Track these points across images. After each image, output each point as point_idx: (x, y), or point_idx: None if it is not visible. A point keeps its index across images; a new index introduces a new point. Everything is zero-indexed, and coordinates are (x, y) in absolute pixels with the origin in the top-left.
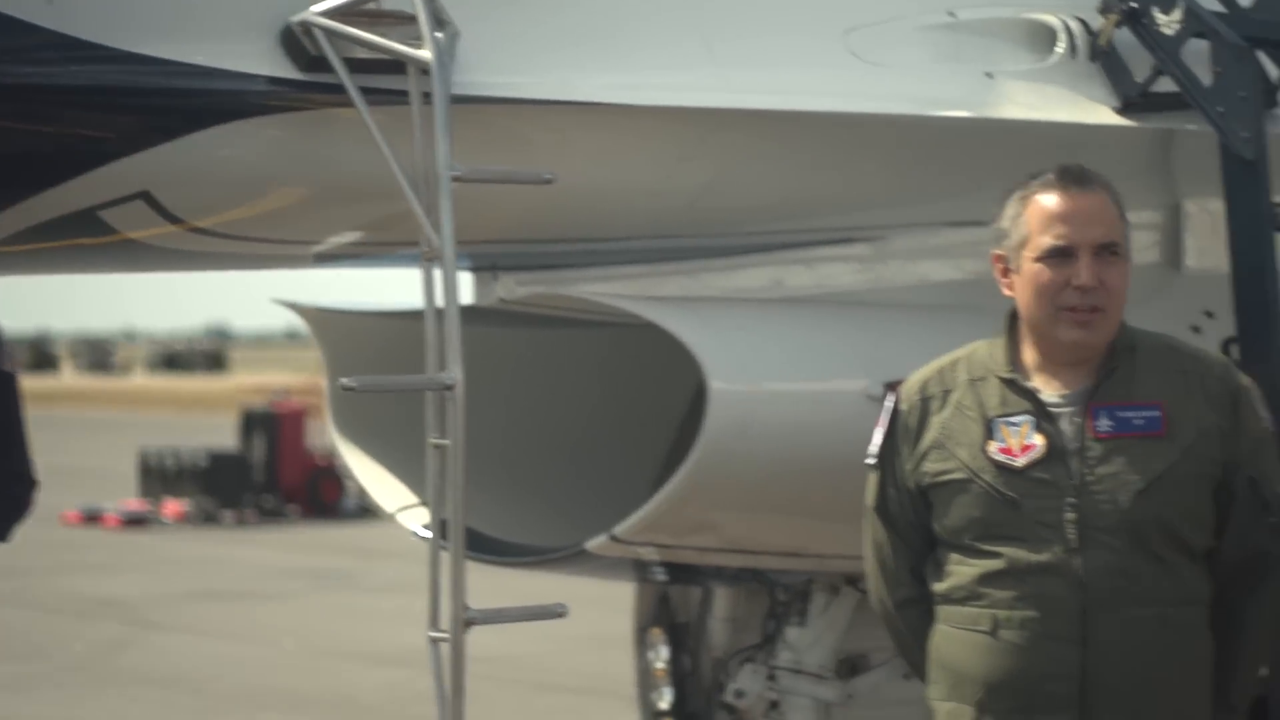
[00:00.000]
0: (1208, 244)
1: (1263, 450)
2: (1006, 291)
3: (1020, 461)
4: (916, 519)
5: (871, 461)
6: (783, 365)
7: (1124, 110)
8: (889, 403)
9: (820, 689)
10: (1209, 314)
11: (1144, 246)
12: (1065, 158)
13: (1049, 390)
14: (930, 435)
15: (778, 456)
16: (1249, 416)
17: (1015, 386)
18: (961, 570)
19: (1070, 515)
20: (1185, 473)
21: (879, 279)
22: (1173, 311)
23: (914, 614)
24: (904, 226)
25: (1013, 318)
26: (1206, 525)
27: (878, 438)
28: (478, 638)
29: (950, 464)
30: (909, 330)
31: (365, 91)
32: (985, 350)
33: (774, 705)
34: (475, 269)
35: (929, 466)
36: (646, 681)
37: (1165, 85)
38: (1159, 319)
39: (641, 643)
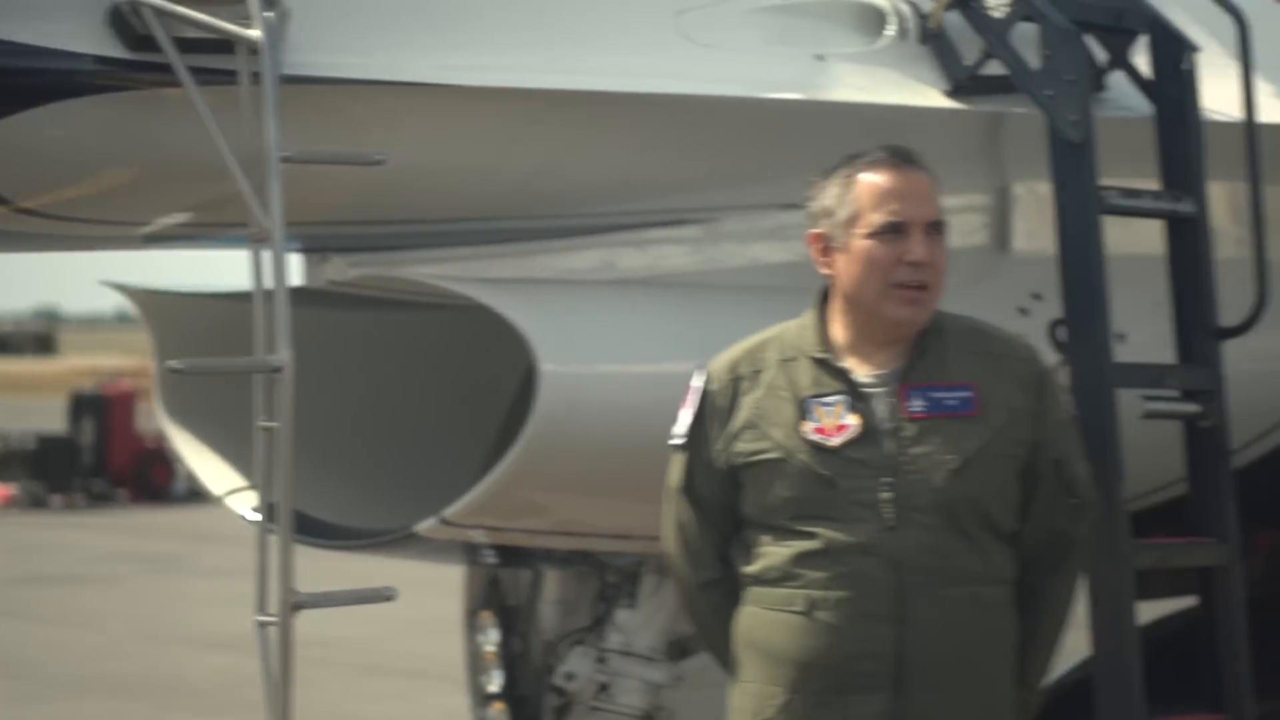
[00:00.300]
0: (1035, 227)
1: (1066, 433)
2: (826, 271)
3: (835, 441)
4: (725, 500)
5: (678, 442)
6: (613, 347)
7: (953, 93)
8: (696, 383)
9: (650, 671)
10: (1036, 296)
11: (972, 229)
12: (895, 140)
13: (861, 370)
14: (742, 415)
15: (608, 439)
16: (1054, 399)
17: (828, 367)
18: (775, 551)
19: (886, 495)
20: (996, 453)
21: (710, 261)
22: (1000, 293)
23: (718, 595)
24: (735, 209)
25: (822, 297)
26: (1013, 506)
27: (685, 418)
28: (307, 621)
29: (764, 444)
30: (741, 312)
31: (194, 71)
32: (794, 330)
33: (604, 688)
34: (305, 251)
35: (742, 447)
36: (476, 665)
37: (994, 68)
38: (987, 301)
39: (471, 626)
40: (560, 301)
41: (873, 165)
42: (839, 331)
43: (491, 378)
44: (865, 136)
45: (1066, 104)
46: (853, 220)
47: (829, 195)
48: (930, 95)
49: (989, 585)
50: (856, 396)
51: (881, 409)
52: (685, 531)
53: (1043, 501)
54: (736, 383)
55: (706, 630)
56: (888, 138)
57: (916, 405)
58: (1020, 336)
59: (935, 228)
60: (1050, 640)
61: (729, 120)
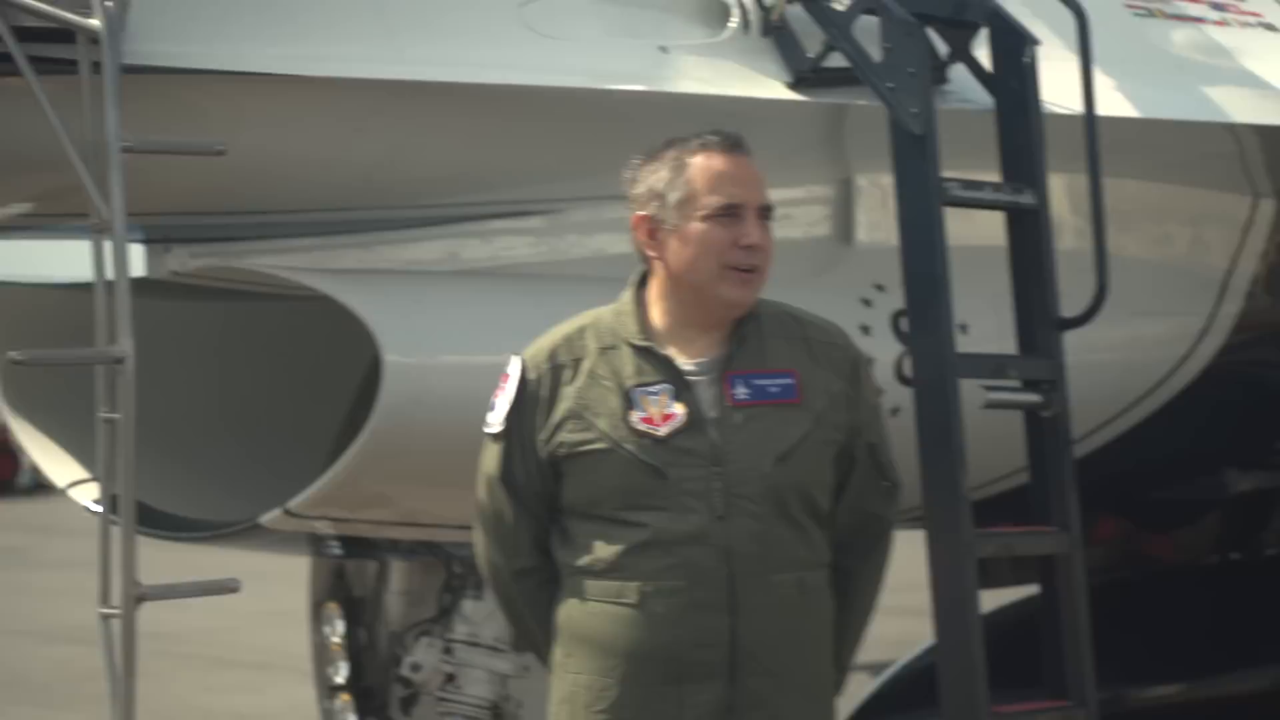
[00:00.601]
0: (878, 218)
1: (878, 417)
2: (652, 254)
3: (663, 431)
4: (544, 489)
5: (495, 431)
6: (458, 338)
7: (796, 85)
8: (513, 372)
9: (496, 661)
10: (879, 287)
11: (816, 220)
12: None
13: (683, 358)
14: (565, 405)
15: (453, 429)
16: (867, 384)
17: (651, 355)
18: (602, 542)
19: (716, 484)
20: (818, 439)
21: (555, 252)
22: (844, 284)
23: (532, 584)
24: (580, 200)
25: (639, 284)
26: (830, 490)
27: (502, 407)
28: (152, 614)
29: (590, 434)
30: (585, 303)
31: (34, 60)
32: (611, 317)
33: (450, 678)
34: (147, 241)
35: (566, 437)
36: (322, 656)
37: (837, 61)
38: (831, 292)
39: (317, 617)
40: (404, 292)
41: (706, 148)
42: (658, 318)
43: (336, 369)
44: (709, 128)
45: (908, 96)
46: (686, 203)
47: (658, 178)
48: (773, 87)
49: (812, 569)
50: (681, 385)
51: (706, 397)
52: (501, 520)
53: (856, 485)
54: (556, 371)
55: (520, 620)
56: (731, 129)
57: (740, 393)
58: (832, 322)
59: (765, 212)
60: (862, 622)
61: (573, 112)
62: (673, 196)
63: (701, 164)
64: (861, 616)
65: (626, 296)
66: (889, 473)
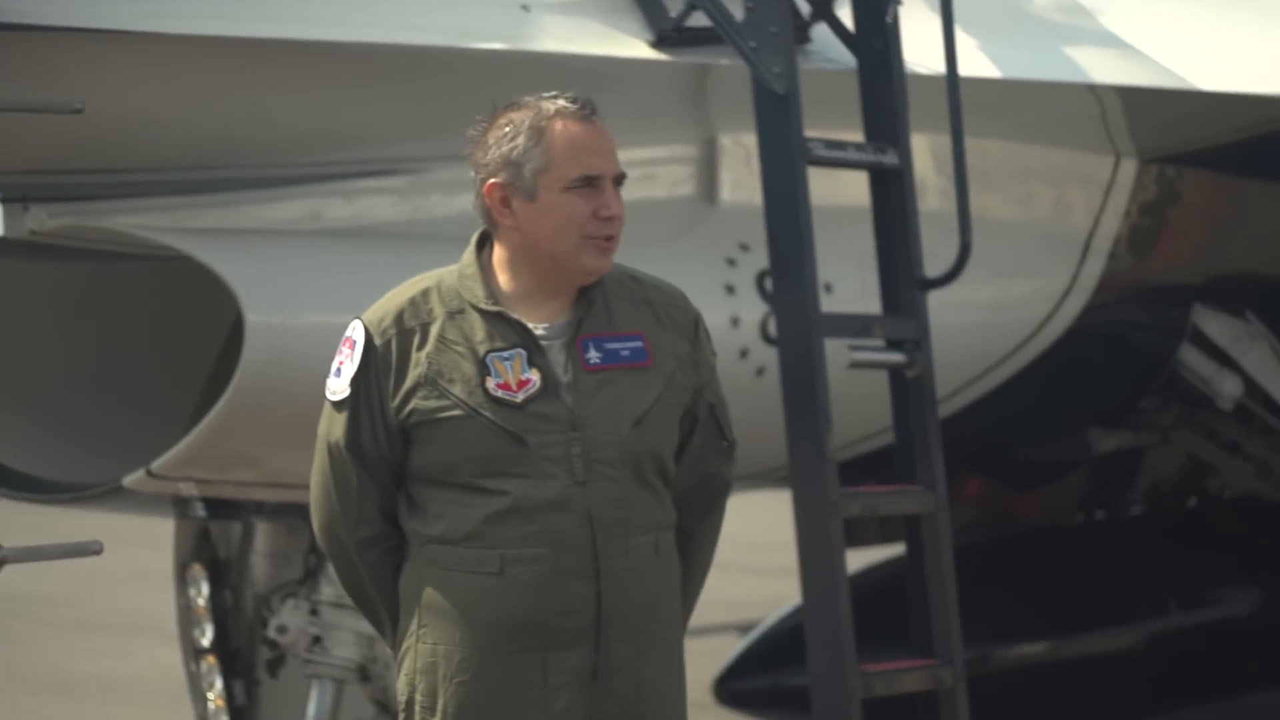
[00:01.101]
0: (742, 178)
1: (715, 377)
2: (507, 222)
3: (519, 397)
4: (392, 456)
5: (340, 398)
6: (321, 298)
7: (658, 44)
8: (356, 336)
9: (363, 623)
10: (744, 247)
11: (679, 180)
12: (601, 91)
13: (533, 322)
14: (417, 371)
15: (316, 390)
16: (706, 344)
17: (502, 320)
18: (459, 511)
19: (575, 449)
20: (668, 401)
21: (418, 211)
22: (708, 245)
23: (375, 553)
24: (443, 159)
25: (479, 246)
26: (675, 451)
27: (347, 372)
28: (13, 576)
29: (446, 401)
30: (449, 262)
31: None
32: (453, 279)
33: (317, 640)
34: (5, 200)
35: (420, 404)
36: (188, 618)
37: (699, 20)
38: (695, 252)
39: (182, 580)
40: (266, 252)
41: (563, 116)
42: (505, 282)
43: (199, 329)
44: (572, 88)
45: (770, 56)
46: (544, 173)
47: (513, 146)
48: (636, 46)
49: (664, 531)
50: (534, 350)
51: (559, 362)
52: (345, 487)
53: (698, 445)
54: (404, 336)
55: (358, 587)
56: (594, 89)
57: (593, 357)
58: (670, 283)
59: (619, 180)
60: (700, 582)
61: (434, 70)
62: (530, 166)
63: (560, 133)
64: (700, 577)
65: (469, 259)
66: (728, 432)
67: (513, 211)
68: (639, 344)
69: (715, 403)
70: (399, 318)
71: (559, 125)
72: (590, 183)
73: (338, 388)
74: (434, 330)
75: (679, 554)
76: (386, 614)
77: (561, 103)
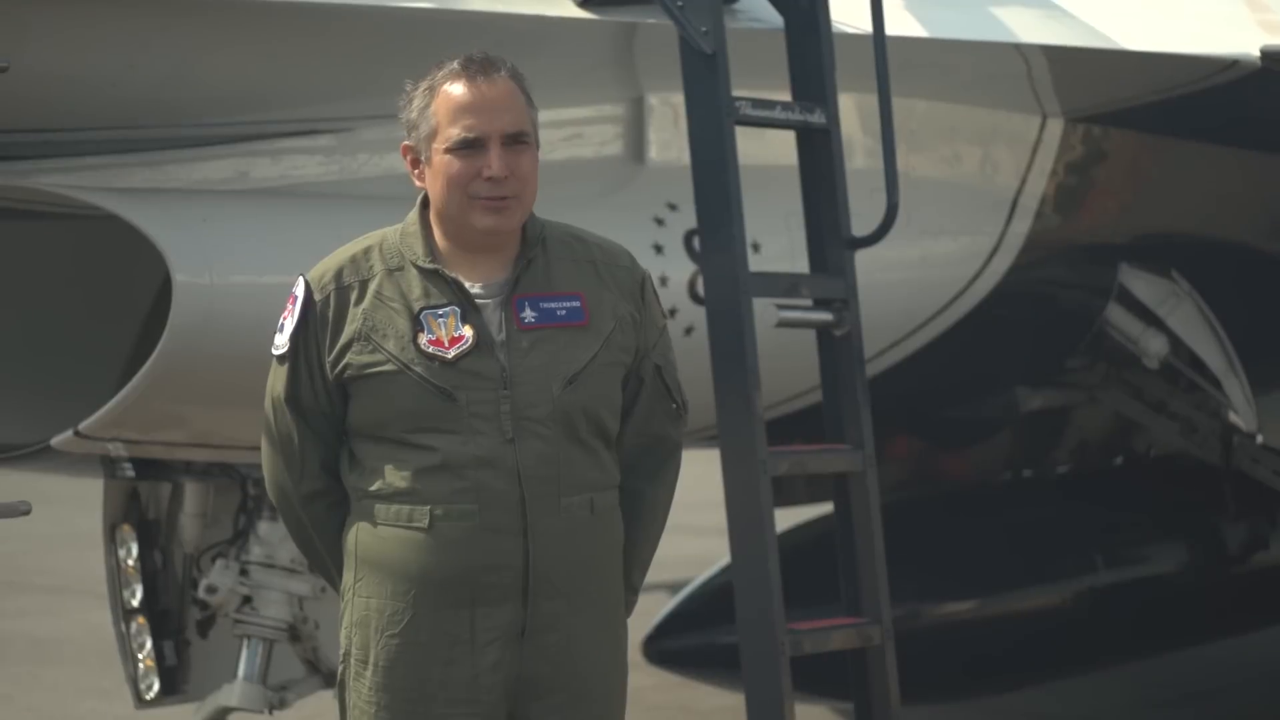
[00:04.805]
0: (670, 137)
1: (664, 338)
2: (418, 183)
3: (451, 353)
4: (331, 411)
5: (282, 352)
6: (248, 257)
7: (586, 4)
8: (298, 292)
9: (293, 583)
10: (672, 206)
11: (607, 139)
12: (529, 50)
13: (470, 281)
14: (353, 327)
15: (244, 350)
16: (654, 305)
17: (438, 277)
18: (391, 466)
19: (505, 407)
20: (605, 361)
21: (345, 171)
22: (636, 204)
23: (321, 507)
24: (370, 118)
25: (424, 205)
26: (618, 412)
27: (289, 328)
28: None
29: (378, 356)
30: (376, 222)
31: None
32: (396, 238)
33: (247, 600)
34: None
35: (354, 359)
36: (117, 579)
37: None
38: (623, 212)
39: (111, 540)
40: (194, 212)
41: (450, 77)
42: (442, 241)
43: (126, 289)
44: (499, 48)
45: (697, 15)
46: (432, 135)
47: (414, 108)
48: (563, 5)
49: (602, 491)
50: (468, 307)
51: (493, 320)
52: (289, 443)
53: (644, 406)
54: (343, 292)
55: (308, 544)
56: (521, 48)
57: (527, 316)
58: (617, 244)
59: (516, 138)
60: (652, 543)
61: (361, 29)
62: (423, 128)
63: (445, 95)
64: (651, 538)
65: (412, 217)
66: (676, 394)
67: (420, 173)
68: (576, 304)
69: (663, 364)
70: (339, 274)
71: (444, 87)
72: (471, 145)
73: (280, 343)
74: (372, 287)
75: (630, 515)
76: (334, 567)
77: (455, 65)
